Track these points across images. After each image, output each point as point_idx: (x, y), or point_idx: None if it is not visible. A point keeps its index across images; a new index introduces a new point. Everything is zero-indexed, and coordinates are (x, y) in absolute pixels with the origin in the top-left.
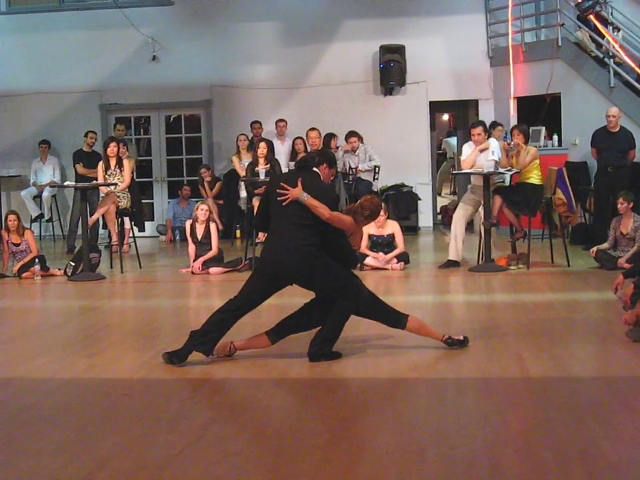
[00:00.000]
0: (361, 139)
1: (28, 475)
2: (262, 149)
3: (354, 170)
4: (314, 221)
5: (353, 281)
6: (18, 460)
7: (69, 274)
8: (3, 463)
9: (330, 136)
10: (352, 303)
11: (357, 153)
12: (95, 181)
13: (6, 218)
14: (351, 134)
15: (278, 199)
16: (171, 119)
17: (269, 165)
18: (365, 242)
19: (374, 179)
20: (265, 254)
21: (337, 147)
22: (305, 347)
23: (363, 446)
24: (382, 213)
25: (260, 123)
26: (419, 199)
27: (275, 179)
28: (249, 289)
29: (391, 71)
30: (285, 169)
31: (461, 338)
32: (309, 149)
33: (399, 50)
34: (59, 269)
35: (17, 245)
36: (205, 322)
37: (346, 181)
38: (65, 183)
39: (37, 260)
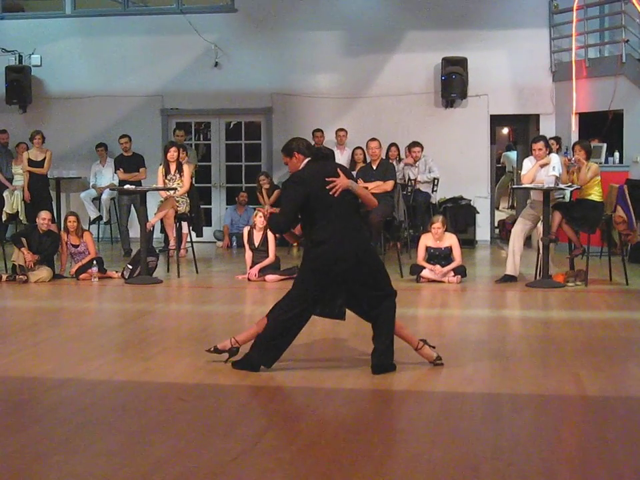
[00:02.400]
0: (422, 150)
1: (83, 475)
2: None
3: (413, 182)
4: (358, 207)
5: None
6: (73, 461)
7: (126, 277)
8: (59, 463)
9: (392, 146)
10: (394, 301)
11: (416, 165)
12: (154, 185)
13: (65, 219)
14: (415, 144)
15: (330, 192)
16: (231, 126)
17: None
18: (422, 254)
19: (432, 191)
20: (333, 249)
21: (399, 158)
22: (360, 357)
23: (418, 459)
24: (440, 225)
25: (322, 131)
26: (477, 213)
27: (314, 174)
28: (311, 289)
29: (453, 83)
30: None
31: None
32: (367, 159)
33: (461, 62)
34: (116, 272)
35: (76, 246)
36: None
37: (405, 192)
38: (125, 187)
39: (94, 262)
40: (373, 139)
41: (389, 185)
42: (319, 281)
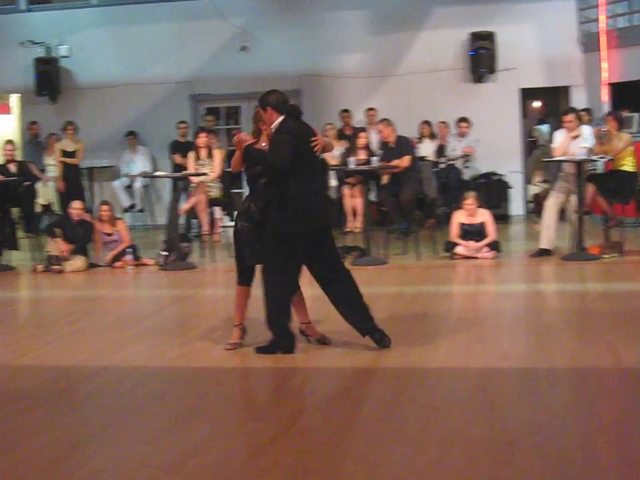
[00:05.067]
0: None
1: (121, 462)
2: (362, 138)
3: (448, 157)
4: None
5: None
6: (111, 447)
7: (161, 263)
8: (97, 450)
9: (424, 123)
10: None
11: (463, 140)
12: (184, 171)
13: (99, 208)
14: (462, 119)
15: (314, 149)
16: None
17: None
18: (455, 230)
19: (464, 167)
20: (303, 214)
21: (433, 134)
22: (394, 336)
23: (455, 436)
24: (472, 201)
25: (349, 112)
26: (510, 187)
27: (300, 130)
28: (292, 253)
29: (481, 58)
30: (375, 158)
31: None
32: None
33: (489, 37)
34: (151, 259)
35: (110, 234)
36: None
37: (436, 169)
38: (156, 173)
39: (129, 250)
40: (380, 120)
41: (405, 161)
42: (294, 243)
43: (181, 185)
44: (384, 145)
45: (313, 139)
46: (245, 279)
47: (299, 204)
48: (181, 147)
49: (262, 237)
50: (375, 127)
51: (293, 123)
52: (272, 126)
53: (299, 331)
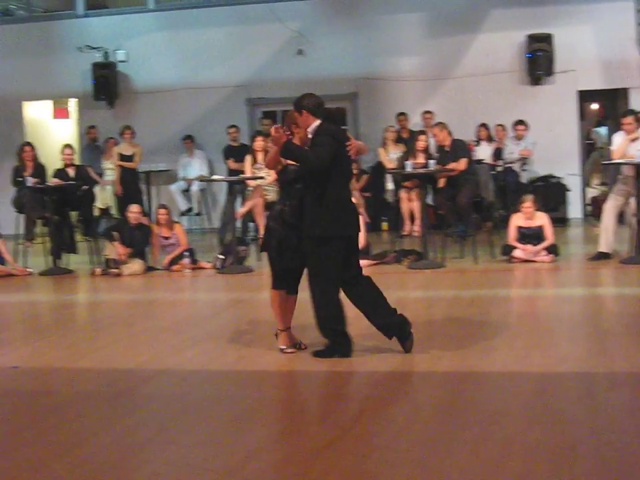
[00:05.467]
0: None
1: (179, 464)
2: (421, 141)
3: (505, 161)
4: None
5: None
6: (169, 450)
7: (218, 267)
8: (155, 453)
9: (481, 126)
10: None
11: (520, 142)
12: (242, 175)
13: (156, 212)
14: (519, 122)
15: (349, 152)
16: None
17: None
18: (513, 234)
19: (522, 170)
20: (344, 218)
21: (490, 137)
22: (452, 340)
23: (513, 440)
24: (530, 204)
25: (406, 115)
26: (568, 190)
27: (339, 134)
28: (333, 256)
29: (539, 60)
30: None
31: (280, 347)
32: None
33: (547, 39)
34: (208, 262)
35: (167, 238)
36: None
37: (493, 172)
38: (213, 177)
39: (186, 253)
40: (434, 124)
41: (461, 164)
42: (334, 245)
43: (237, 189)
44: (440, 148)
45: (348, 142)
46: (278, 283)
47: (339, 207)
48: (234, 151)
49: (291, 239)
50: (431, 131)
51: (332, 126)
52: (309, 129)
53: (274, 333)
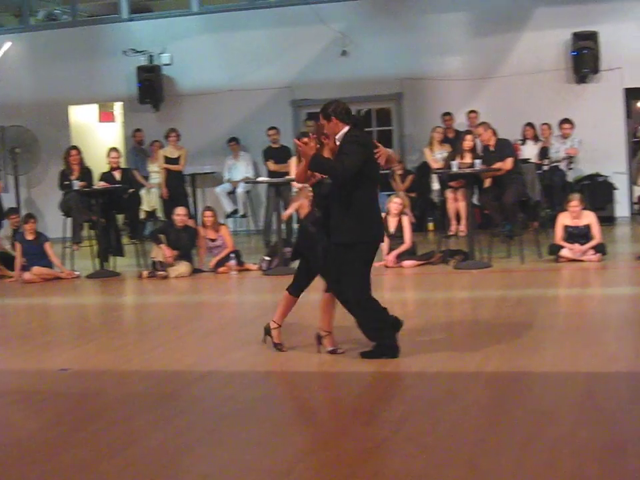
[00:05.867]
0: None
1: (228, 466)
2: (468, 141)
3: (550, 159)
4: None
5: None
6: (218, 451)
7: (264, 268)
8: (204, 454)
9: (527, 125)
10: None
11: (566, 141)
12: (287, 176)
13: (202, 214)
14: (565, 121)
15: (378, 160)
16: (362, 113)
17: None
18: (560, 233)
19: (568, 169)
20: (371, 223)
21: (536, 136)
22: (500, 340)
23: (563, 441)
24: (577, 203)
25: (451, 115)
26: (615, 189)
27: (369, 140)
28: (363, 265)
29: (584, 58)
30: (478, 161)
31: (329, 348)
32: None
33: (592, 36)
34: (254, 264)
35: (213, 240)
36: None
37: (539, 171)
38: (258, 179)
39: (232, 255)
40: (479, 124)
41: (507, 164)
42: (364, 254)
43: (282, 191)
44: (485, 148)
45: (376, 150)
46: (294, 287)
47: (368, 213)
48: (274, 153)
49: (322, 242)
50: (475, 130)
51: (361, 133)
52: (337, 136)
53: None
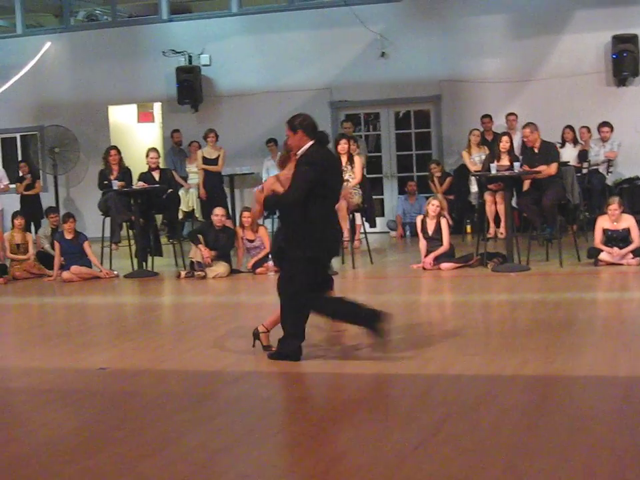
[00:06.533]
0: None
1: (266, 467)
2: (505, 142)
3: (590, 162)
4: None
5: None
6: (256, 452)
7: None
8: (242, 455)
9: (567, 128)
10: None
11: (605, 144)
12: None
13: (241, 215)
14: (604, 124)
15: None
16: (400, 115)
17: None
18: (599, 236)
19: (608, 172)
20: (326, 243)
21: (575, 139)
22: (538, 344)
23: (602, 446)
24: (616, 207)
25: (490, 117)
26: None
27: (326, 160)
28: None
29: (624, 61)
30: (517, 163)
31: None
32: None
33: (632, 39)
34: None
35: (251, 241)
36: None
37: (578, 174)
38: None
39: (270, 256)
40: (525, 125)
41: (552, 169)
42: (313, 269)
43: None
44: (527, 149)
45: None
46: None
47: (320, 230)
48: None
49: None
50: (514, 132)
51: (320, 151)
52: (299, 152)
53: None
